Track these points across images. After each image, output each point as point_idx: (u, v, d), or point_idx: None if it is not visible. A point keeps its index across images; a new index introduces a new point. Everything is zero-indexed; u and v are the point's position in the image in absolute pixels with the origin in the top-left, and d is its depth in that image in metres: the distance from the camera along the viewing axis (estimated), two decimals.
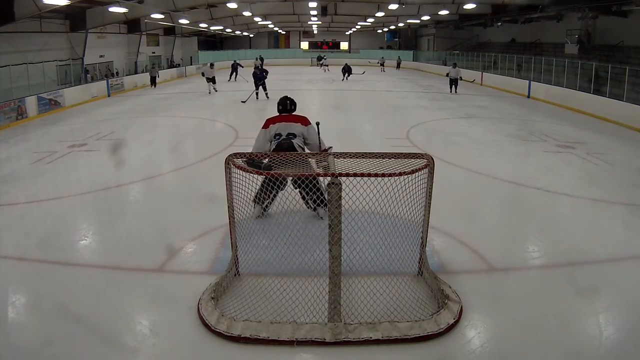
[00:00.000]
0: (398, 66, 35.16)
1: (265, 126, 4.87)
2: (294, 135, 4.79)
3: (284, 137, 4.79)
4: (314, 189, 4.21)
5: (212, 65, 18.49)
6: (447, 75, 18.13)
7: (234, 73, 22.71)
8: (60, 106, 14.27)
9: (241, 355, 2.98)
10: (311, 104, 15.82)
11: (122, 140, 9.53)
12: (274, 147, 4.78)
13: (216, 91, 17.95)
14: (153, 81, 20.94)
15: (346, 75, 22.89)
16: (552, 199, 6.04)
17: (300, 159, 3.76)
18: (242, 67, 23.18)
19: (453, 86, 17.87)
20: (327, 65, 30.61)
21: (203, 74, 18.29)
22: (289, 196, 4.10)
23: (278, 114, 5.07)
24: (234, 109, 13.07)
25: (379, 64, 32.97)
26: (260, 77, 15.56)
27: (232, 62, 24.35)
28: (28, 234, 4.87)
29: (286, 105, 5.08)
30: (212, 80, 17.96)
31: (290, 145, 4.73)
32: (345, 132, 10.37)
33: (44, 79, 14.87)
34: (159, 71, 22.52)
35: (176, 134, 10.57)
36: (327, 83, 21.86)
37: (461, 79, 18.15)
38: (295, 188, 4.15)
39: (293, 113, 5.08)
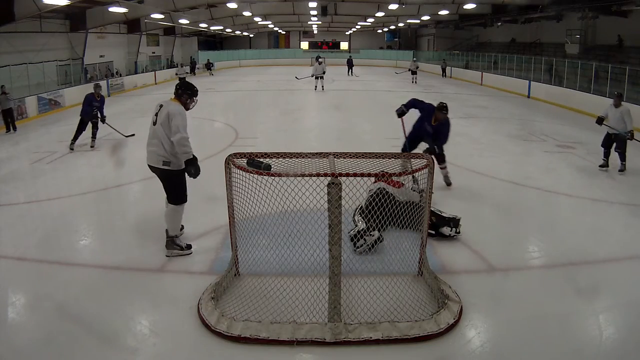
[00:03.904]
0: (444, 73, 26.55)
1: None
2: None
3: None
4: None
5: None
6: (601, 122, 7.30)
7: None
8: (60, 106, 14.27)
9: (241, 355, 2.99)
10: (311, 104, 15.84)
11: (122, 140, 9.52)
12: (370, 197, 4.66)
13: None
14: (7, 116, 10.56)
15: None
16: (552, 199, 6.04)
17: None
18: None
19: (616, 150, 7.13)
20: (322, 76, 18.74)
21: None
22: (289, 196, 4.09)
23: None
24: (233, 109, 13.05)
25: (409, 71, 23.34)
26: (89, 112, 8.28)
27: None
28: (28, 234, 4.87)
29: None
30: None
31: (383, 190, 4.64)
32: (345, 132, 10.39)
33: (44, 79, 14.90)
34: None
35: None
36: (327, 83, 21.82)
37: (631, 136, 6.95)
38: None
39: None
